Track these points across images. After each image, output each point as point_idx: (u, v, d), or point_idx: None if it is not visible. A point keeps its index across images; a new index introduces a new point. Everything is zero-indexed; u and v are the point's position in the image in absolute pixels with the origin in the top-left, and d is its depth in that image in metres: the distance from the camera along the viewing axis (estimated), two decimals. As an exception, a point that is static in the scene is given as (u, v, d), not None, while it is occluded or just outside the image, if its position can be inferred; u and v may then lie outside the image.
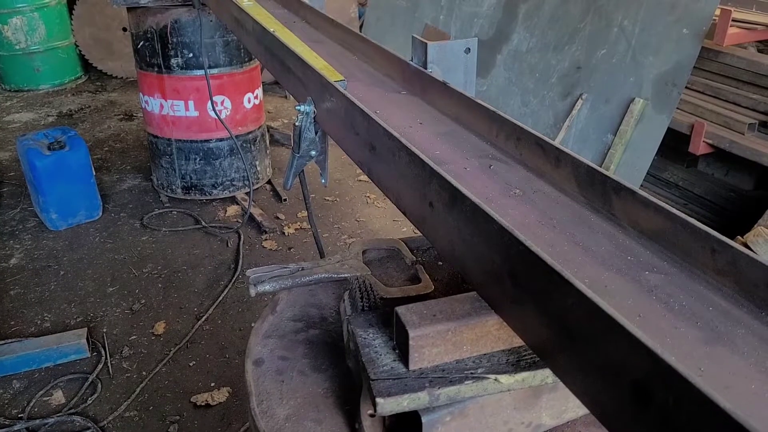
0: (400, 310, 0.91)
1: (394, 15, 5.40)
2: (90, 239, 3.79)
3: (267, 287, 1.20)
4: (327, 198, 4.30)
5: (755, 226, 3.03)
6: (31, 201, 4.02)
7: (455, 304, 0.92)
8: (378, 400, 0.84)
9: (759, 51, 4.08)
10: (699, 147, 3.70)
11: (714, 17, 3.53)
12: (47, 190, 3.74)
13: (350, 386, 1.04)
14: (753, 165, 3.58)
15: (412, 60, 1.56)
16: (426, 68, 1.50)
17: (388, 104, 1.47)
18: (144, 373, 2.74)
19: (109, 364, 2.78)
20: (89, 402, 2.58)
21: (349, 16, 6.74)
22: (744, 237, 2.83)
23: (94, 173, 3.97)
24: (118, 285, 3.36)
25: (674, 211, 0.88)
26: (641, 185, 3.76)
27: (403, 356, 0.90)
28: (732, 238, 2.97)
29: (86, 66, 7.00)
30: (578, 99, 3.92)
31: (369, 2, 5.90)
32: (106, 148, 5.16)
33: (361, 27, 6.42)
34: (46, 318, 3.09)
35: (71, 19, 6.75)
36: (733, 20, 3.69)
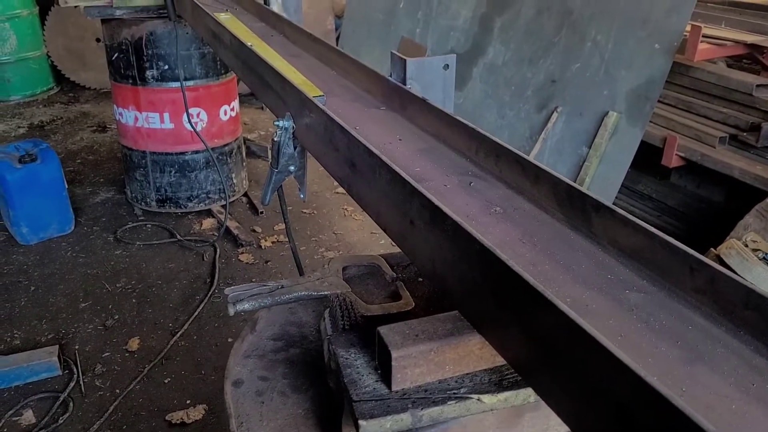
0: (383, 330, 0.90)
1: (371, 27, 5.42)
2: (62, 254, 3.72)
3: (246, 306, 1.18)
4: (304, 211, 4.28)
5: (727, 238, 3.08)
6: (1, 215, 3.93)
7: (437, 323, 0.92)
8: (361, 422, 0.83)
9: (728, 66, 4.17)
10: (672, 160, 3.76)
11: (685, 33, 3.60)
12: (18, 203, 3.66)
13: (331, 407, 1.03)
14: (724, 177, 3.64)
15: (390, 76, 1.57)
16: (405, 84, 1.51)
17: (367, 120, 1.47)
18: (117, 390, 2.68)
19: (81, 382, 2.72)
20: (60, 422, 2.52)
21: (325, 28, 6.75)
22: (717, 249, 2.87)
23: (67, 186, 3.91)
24: (91, 300, 3.29)
25: (652, 229, 0.89)
26: (616, 197, 3.80)
27: (386, 377, 0.89)
28: (705, 249, 3.01)
29: (58, 77, 6.90)
30: (553, 112, 3.96)
31: (345, 14, 5.92)
32: (79, 161, 5.08)
33: (338, 39, 6.43)
34: (15, 335, 3.02)
35: (43, 30, 6.66)
36: (703, 36, 3.76)
